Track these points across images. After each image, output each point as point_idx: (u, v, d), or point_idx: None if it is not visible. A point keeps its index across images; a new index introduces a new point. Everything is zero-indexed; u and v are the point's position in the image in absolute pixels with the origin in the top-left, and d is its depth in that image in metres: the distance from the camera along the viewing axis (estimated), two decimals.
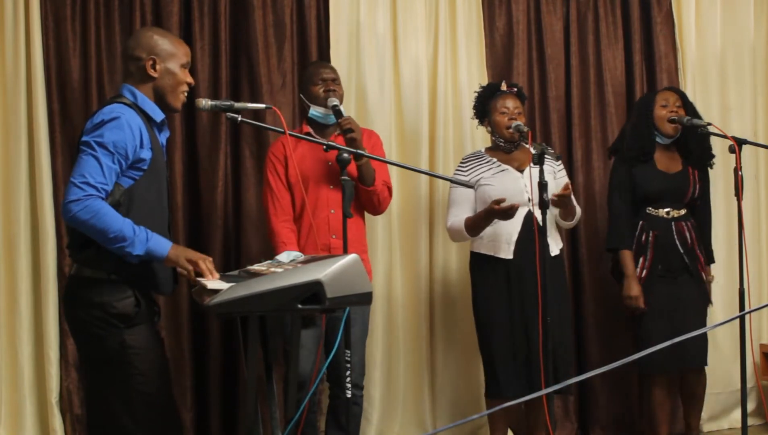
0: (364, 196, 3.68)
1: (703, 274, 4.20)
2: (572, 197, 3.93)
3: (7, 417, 4.14)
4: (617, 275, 4.24)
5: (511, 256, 3.90)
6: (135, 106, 2.84)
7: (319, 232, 3.64)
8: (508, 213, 3.73)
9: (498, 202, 3.73)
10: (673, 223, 4.15)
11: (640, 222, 4.16)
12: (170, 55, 2.90)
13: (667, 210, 4.16)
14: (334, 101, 3.66)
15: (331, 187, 3.67)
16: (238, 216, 4.35)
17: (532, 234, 3.82)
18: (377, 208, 3.80)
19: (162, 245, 2.74)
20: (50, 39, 4.17)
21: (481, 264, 4.00)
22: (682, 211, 4.18)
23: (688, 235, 4.15)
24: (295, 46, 4.44)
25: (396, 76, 4.57)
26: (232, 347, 4.29)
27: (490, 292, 3.94)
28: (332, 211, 3.66)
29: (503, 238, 3.91)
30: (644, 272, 4.12)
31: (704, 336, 4.16)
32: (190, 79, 2.96)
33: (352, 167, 3.52)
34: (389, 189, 3.80)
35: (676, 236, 4.13)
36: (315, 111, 3.73)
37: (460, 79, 4.62)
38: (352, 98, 4.47)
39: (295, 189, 3.70)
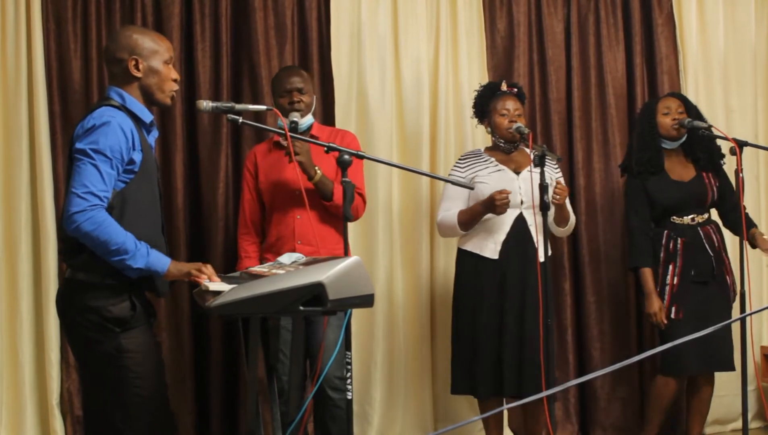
0: (331, 209, 3.66)
1: (728, 278, 4.15)
2: (567, 202, 3.92)
3: (8, 418, 4.14)
4: (641, 294, 4.20)
5: (496, 257, 3.89)
6: (124, 108, 2.82)
7: (285, 238, 3.67)
8: (505, 207, 3.74)
9: (501, 192, 3.73)
10: (699, 228, 4.12)
11: (665, 231, 4.12)
12: (152, 52, 2.86)
13: (691, 216, 4.13)
14: (293, 116, 3.65)
15: (297, 193, 3.64)
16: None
17: (520, 237, 3.84)
18: (349, 217, 3.77)
19: (161, 261, 2.74)
20: (51, 41, 4.17)
21: (466, 261, 3.98)
22: (706, 216, 4.16)
23: (714, 238, 4.13)
24: (296, 47, 4.44)
25: (397, 77, 4.57)
26: (233, 348, 4.28)
27: (472, 289, 3.92)
28: (298, 217, 3.67)
29: (491, 238, 3.90)
30: (676, 279, 4.08)
31: (730, 340, 4.13)
32: (175, 75, 2.92)
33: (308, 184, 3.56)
34: (361, 195, 3.75)
35: (704, 240, 4.10)
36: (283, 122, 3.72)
37: (461, 80, 4.62)
38: (353, 99, 4.47)
39: (264, 196, 3.75)
